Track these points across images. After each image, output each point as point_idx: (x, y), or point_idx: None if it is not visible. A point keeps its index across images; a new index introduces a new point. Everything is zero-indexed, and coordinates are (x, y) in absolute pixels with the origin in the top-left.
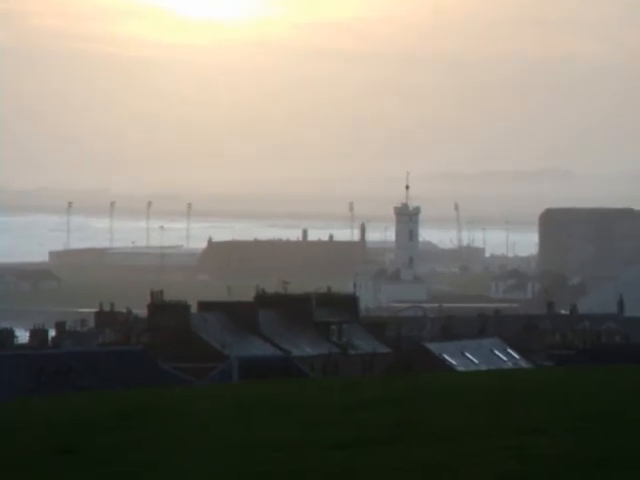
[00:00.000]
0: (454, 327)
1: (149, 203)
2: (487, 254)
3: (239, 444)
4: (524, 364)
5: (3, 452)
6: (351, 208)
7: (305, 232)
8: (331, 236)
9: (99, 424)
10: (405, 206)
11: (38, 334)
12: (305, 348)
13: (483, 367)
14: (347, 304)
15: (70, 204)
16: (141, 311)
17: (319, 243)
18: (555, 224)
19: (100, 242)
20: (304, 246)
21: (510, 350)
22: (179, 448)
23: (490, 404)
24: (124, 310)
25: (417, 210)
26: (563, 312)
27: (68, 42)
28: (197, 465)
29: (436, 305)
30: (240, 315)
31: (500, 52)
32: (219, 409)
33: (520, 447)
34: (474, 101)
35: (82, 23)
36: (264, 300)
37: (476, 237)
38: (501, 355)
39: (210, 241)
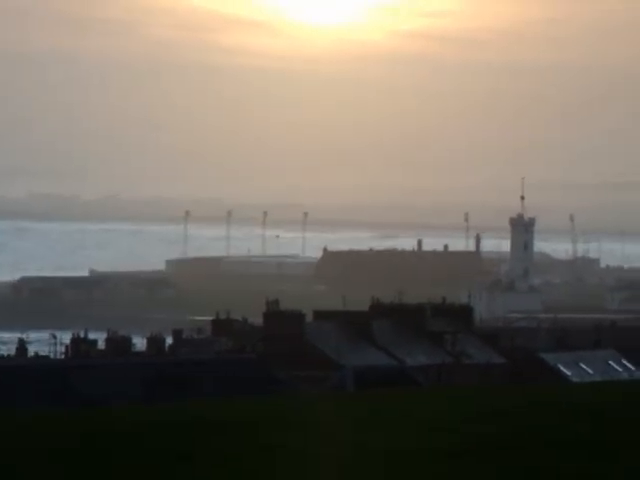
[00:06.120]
0: (569, 338)
1: (265, 212)
2: (602, 265)
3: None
4: None
5: (128, 457)
6: (466, 218)
7: (420, 242)
8: (446, 246)
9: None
10: (520, 217)
11: (155, 342)
12: (419, 357)
13: (598, 378)
14: (461, 314)
15: (187, 213)
16: (257, 320)
17: (434, 253)
18: None
19: (216, 251)
20: (419, 256)
21: (626, 362)
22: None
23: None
24: (240, 319)
25: (532, 221)
26: None
27: (184, 53)
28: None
29: (551, 316)
30: (355, 324)
31: (624, 59)
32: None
33: None
34: (594, 111)
35: (196, 34)
36: (379, 310)
37: (591, 248)
38: (617, 366)
39: (326, 250)
